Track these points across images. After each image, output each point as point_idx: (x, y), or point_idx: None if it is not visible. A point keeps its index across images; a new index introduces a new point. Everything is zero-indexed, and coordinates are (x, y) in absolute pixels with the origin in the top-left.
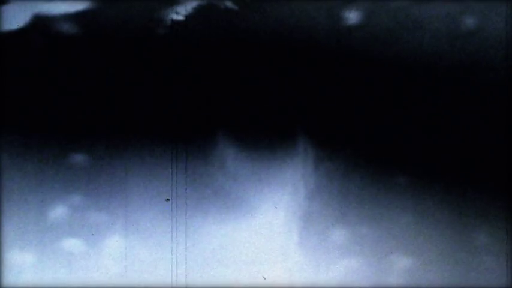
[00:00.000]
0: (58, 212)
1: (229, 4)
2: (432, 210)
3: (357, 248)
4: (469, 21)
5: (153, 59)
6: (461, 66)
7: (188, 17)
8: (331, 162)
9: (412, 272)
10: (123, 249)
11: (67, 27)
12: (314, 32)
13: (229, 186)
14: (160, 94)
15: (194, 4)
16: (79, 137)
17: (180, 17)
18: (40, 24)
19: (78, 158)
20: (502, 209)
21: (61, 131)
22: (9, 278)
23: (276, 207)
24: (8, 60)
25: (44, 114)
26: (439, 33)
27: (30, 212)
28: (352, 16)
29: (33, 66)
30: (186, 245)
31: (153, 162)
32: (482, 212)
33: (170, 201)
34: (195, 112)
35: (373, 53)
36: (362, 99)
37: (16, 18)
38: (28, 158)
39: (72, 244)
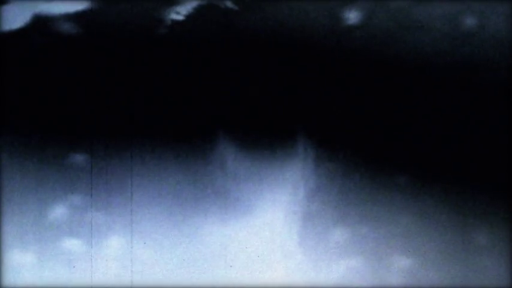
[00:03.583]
0: (58, 212)
1: (229, 4)
2: (432, 210)
3: (357, 248)
4: (470, 21)
5: (153, 59)
6: (462, 66)
7: (188, 17)
8: (331, 162)
9: (412, 272)
10: (123, 249)
11: (67, 27)
12: (314, 32)
13: (229, 186)
14: (160, 94)
15: (194, 4)
16: (79, 137)
17: (180, 17)
18: (40, 24)
19: (78, 158)
20: (503, 209)
21: (61, 131)
22: (9, 278)
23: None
24: (8, 60)
25: (44, 115)
26: (439, 33)
27: (30, 212)
28: (353, 16)
29: (33, 66)
30: (186, 244)
31: (154, 162)
32: (483, 211)
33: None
34: (195, 112)
35: (372, 53)
36: (362, 99)
37: (16, 18)
38: (28, 158)
39: (72, 244)
